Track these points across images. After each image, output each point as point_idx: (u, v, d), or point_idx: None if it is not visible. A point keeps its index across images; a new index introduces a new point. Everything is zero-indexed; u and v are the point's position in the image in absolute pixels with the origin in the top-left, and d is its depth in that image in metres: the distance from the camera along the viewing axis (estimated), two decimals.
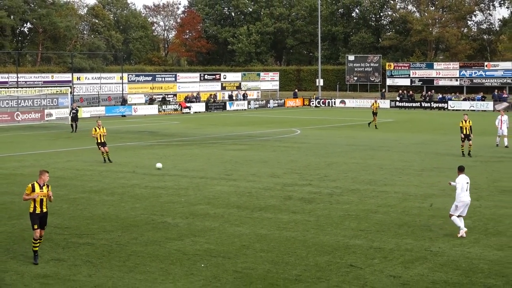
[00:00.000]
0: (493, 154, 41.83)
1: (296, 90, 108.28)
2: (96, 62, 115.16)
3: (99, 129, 39.39)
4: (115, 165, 37.59)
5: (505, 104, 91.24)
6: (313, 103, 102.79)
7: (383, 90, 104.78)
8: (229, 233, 22.00)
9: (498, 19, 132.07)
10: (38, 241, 18.95)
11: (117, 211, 25.47)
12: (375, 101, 68.20)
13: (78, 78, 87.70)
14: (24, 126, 67.38)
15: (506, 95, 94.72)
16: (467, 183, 21.76)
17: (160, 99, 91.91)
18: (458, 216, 21.47)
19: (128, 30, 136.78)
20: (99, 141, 39.05)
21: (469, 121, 41.98)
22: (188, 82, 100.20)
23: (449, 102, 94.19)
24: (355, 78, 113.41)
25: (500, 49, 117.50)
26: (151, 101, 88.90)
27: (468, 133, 41.35)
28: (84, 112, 78.06)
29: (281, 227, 22.73)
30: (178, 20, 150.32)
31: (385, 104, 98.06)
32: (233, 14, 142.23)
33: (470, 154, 40.83)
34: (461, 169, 22.31)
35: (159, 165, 35.35)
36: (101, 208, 25.94)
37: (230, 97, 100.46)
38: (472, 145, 41.47)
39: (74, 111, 61.31)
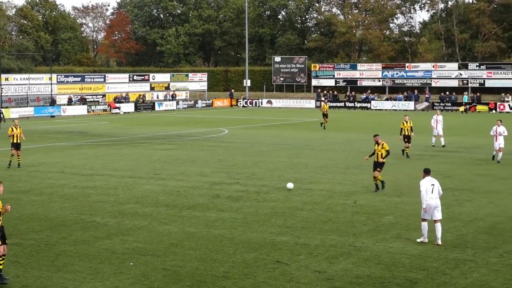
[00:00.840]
0: (411, 152, 42.76)
1: (232, 90, 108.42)
2: (25, 63, 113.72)
3: (16, 129, 37.58)
4: (44, 165, 37.42)
5: (425, 104, 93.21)
6: (240, 103, 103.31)
7: (334, 92, 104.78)
8: (158, 231, 22.23)
9: (419, 21, 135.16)
10: (2, 257, 17.18)
11: (46, 211, 25.46)
12: (325, 103, 67.39)
13: (6, 79, 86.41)
14: None
15: (427, 95, 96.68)
16: (432, 185, 21.11)
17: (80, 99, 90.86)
18: (435, 222, 20.61)
19: (57, 31, 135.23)
20: (13, 141, 37.28)
21: (410, 122, 42.06)
22: (117, 83, 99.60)
23: (372, 102, 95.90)
24: (282, 79, 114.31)
25: (421, 51, 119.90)
26: (69, 101, 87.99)
27: (408, 134, 41.45)
28: (13, 113, 76.98)
29: (209, 225, 23.07)
30: (107, 22, 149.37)
31: (310, 104, 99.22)
32: (162, 16, 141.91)
33: (407, 155, 40.89)
34: (426, 172, 21.53)
35: (290, 185, 30.18)
36: (29, 208, 25.90)
37: (166, 97, 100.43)
38: (410, 146, 41.66)
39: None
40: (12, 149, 37.41)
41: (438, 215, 20.73)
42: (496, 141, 38.45)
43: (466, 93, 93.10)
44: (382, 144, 29.38)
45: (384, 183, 29.43)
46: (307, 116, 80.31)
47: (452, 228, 22.43)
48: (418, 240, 20.76)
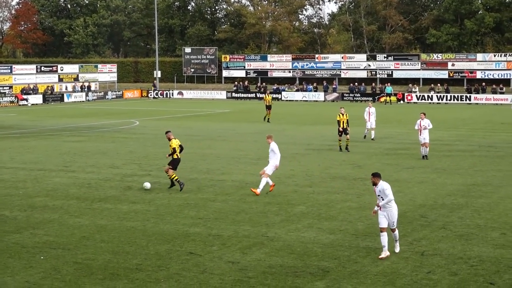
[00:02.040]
0: (323, 143, 43.31)
1: (155, 81, 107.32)
2: None
3: None
4: None
5: (335, 95, 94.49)
6: (151, 95, 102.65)
7: (245, 83, 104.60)
8: (69, 224, 21.96)
9: (328, 13, 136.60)
10: None
11: None
12: (267, 94, 64.48)
13: None
14: None
15: (335, 86, 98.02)
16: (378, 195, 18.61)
17: None
18: (393, 231, 18.67)
19: None
20: None
21: (346, 114, 40.23)
22: (25, 74, 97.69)
23: (283, 93, 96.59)
24: (192, 70, 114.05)
25: (330, 42, 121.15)
26: None
27: (345, 127, 39.66)
28: None
29: (121, 217, 22.91)
30: (13, 12, 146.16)
31: (221, 95, 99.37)
32: (69, 6, 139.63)
33: (347, 149, 39.48)
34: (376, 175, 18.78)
35: (147, 185, 30.75)
36: None
37: (75, 88, 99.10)
38: (350, 139, 40.27)
39: None
40: None
41: (394, 223, 18.69)
42: (420, 135, 36.59)
43: (388, 84, 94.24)
44: (172, 140, 28.22)
45: (179, 183, 27.63)
46: (218, 107, 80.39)
47: (363, 217, 22.77)
48: (381, 256, 18.26)
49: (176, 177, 27.63)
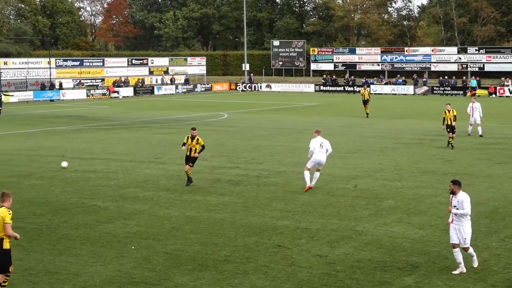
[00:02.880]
0: (413, 136, 42.86)
1: (252, 74, 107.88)
2: (23, 47, 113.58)
3: None
4: (44, 149, 37.46)
5: (424, 88, 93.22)
6: (239, 88, 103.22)
7: (333, 76, 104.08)
8: (159, 215, 22.29)
9: (417, 5, 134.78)
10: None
11: (47, 195, 25.50)
12: (364, 88, 59.81)
13: (5, 63, 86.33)
14: None
15: (425, 79, 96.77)
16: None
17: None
18: (466, 250, 16.87)
19: (55, 15, 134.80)
20: None
21: (453, 110, 38.68)
22: (116, 67, 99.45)
23: (371, 86, 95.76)
24: (280, 63, 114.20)
25: (419, 35, 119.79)
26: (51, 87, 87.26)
27: (451, 123, 38.18)
28: (12, 97, 77.13)
29: (210, 209, 23.12)
30: (105, 5, 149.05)
31: (309, 88, 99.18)
32: (160, 0, 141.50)
33: (452, 146, 38.02)
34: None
35: (64, 164, 31.89)
36: (30, 192, 25.94)
37: (163, 80, 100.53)
38: (454, 136, 38.62)
39: None
40: None
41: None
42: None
43: (474, 77, 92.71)
44: (198, 139, 27.70)
45: (192, 180, 27.51)
46: (306, 100, 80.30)
47: None
48: (455, 272, 16.65)
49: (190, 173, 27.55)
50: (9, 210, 14.59)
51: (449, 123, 38.36)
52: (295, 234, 19.94)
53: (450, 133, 38.20)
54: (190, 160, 27.51)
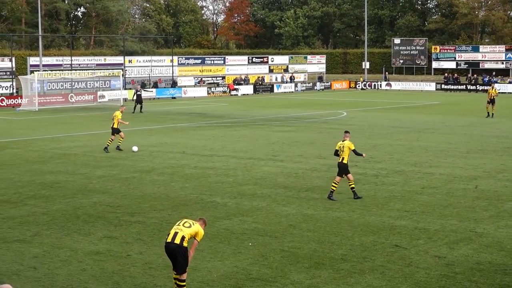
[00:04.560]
0: None
1: (387, 73, 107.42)
2: (147, 45, 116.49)
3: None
4: (166, 146, 38.22)
5: None
6: (359, 86, 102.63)
7: (455, 74, 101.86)
8: (276, 212, 22.42)
9: None
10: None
11: (167, 190, 26.04)
12: (492, 87, 58.05)
13: (130, 61, 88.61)
14: (78, 107, 68.37)
15: None
16: None
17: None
18: None
19: (178, 14, 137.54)
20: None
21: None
22: (237, 65, 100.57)
23: (495, 85, 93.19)
24: (401, 61, 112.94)
25: None
26: (173, 84, 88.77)
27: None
28: (151, 93, 79.45)
29: (327, 208, 23.10)
30: (227, 4, 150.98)
31: (430, 87, 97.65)
32: None
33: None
34: None
35: (135, 148, 33.90)
36: (151, 188, 26.54)
37: (282, 78, 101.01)
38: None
39: (138, 92, 62.07)
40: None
41: None
42: None
43: None
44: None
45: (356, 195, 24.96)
46: (426, 99, 79.16)
47: None
48: None
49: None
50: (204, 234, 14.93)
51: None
52: (413, 234, 19.71)
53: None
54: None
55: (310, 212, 22.43)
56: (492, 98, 55.59)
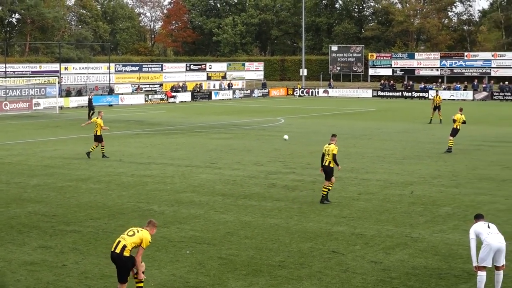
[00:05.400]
0: (471, 142, 42.36)
1: (332, 80, 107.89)
2: (84, 52, 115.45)
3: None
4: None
5: (484, 94, 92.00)
6: (297, 93, 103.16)
7: (391, 81, 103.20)
8: (214, 220, 22.37)
9: (478, 10, 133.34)
10: None
11: (104, 199, 25.79)
12: (437, 95, 59.28)
13: (66, 68, 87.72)
14: (12, 115, 67.34)
15: (485, 85, 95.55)
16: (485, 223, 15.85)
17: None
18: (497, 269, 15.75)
19: (115, 21, 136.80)
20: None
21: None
22: (174, 72, 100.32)
23: (430, 91, 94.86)
24: (338, 68, 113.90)
25: (480, 40, 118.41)
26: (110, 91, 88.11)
27: (457, 127, 38.59)
28: (71, 102, 78.36)
29: (265, 214, 23.14)
30: (165, 11, 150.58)
31: (367, 93, 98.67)
32: (219, 5, 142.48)
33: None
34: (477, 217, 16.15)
35: (286, 136, 32.39)
36: (88, 196, 26.26)
37: (221, 86, 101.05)
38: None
39: (90, 98, 62.04)
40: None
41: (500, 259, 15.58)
42: None
43: None
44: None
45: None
46: (363, 105, 79.93)
47: (511, 219, 22.15)
48: None
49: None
50: (151, 241, 14.81)
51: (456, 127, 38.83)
52: (350, 240, 19.86)
53: (452, 137, 38.51)
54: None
55: (248, 219, 22.44)
56: (437, 105, 56.75)
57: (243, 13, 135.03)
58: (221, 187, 28.04)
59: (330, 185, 25.17)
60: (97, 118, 37.53)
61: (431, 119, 56.57)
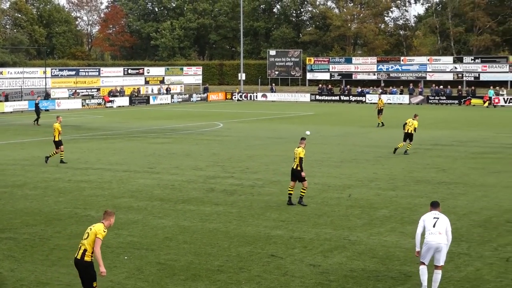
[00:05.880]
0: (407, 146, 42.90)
1: (273, 85, 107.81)
2: (19, 56, 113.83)
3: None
4: (38, 159, 37.32)
5: (420, 97, 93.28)
6: (235, 97, 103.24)
7: (329, 85, 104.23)
8: (152, 225, 22.23)
9: (414, 15, 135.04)
10: None
11: (40, 205, 25.43)
12: (379, 99, 61.38)
13: (1, 73, 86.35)
14: None
15: (421, 89, 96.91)
16: (435, 218, 16.03)
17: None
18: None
19: (51, 25, 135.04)
20: None
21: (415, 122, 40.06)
22: (112, 77, 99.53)
23: (367, 95, 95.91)
24: (277, 73, 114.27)
25: (416, 45, 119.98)
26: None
27: (411, 132, 39.47)
28: (7, 107, 77.17)
29: (204, 219, 23.07)
30: (102, 15, 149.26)
31: (305, 98, 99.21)
32: (157, 9, 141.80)
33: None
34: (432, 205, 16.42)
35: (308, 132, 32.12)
36: (23, 203, 25.86)
37: (160, 90, 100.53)
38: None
39: (37, 103, 61.32)
40: None
41: (440, 258, 15.98)
42: None
43: (492, 87, 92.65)
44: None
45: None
46: (302, 109, 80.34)
47: None
48: None
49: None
50: (105, 229, 14.52)
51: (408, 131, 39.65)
52: (289, 244, 19.91)
53: (407, 141, 39.54)
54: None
55: (187, 224, 22.35)
56: (380, 108, 57.84)
57: (181, 17, 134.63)
58: (160, 192, 27.89)
59: (303, 190, 25.42)
60: (55, 123, 37.12)
61: (378, 123, 57.41)
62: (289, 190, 25.59)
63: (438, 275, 15.89)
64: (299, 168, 25.28)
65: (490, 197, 26.71)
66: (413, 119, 40.23)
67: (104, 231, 14.44)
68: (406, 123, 40.16)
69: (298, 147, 25.64)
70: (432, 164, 35.39)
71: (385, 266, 17.84)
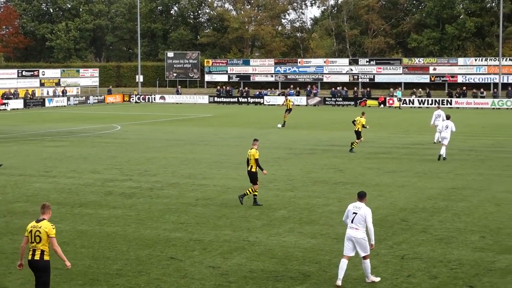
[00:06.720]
0: (305, 147, 43.41)
1: (179, 87, 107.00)
2: None
3: None
4: None
5: (317, 99, 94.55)
6: (133, 99, 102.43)
7: (227, 87, 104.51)
8: None
9: (310, 17, 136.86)
10: None
11: None
12: (286, 99, 63.23)
13: None
14: None
15: (316, 90, 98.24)
16: (354, 213, 16.83)
17: None
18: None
19: None
20: None
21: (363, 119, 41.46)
22: (5, 79, 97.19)
23: (265, 97, 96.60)
24: (175, 74, 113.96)
25: (312, 47, 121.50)
26: None
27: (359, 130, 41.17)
28: None
29: (102, 223, 22.83)
30: None
31: (203, 99, 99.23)
32: (52, 10, 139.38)
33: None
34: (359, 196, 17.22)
35: (279, 125, 30.77)
36: None
37: (55, 92, 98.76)
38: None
39: None
40: None
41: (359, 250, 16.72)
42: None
43: (400, 88, 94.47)
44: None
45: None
46: (200, 111, 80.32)
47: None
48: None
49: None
50: (52, 225, 14.76)
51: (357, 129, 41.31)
52: (188, 246, 19.89)
53: (355, 139, 41.27)
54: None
55: (84, 228, 22.07)
56: (289, 108, 59.07)
57: (76, 18, 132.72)
58: (56, 196, 27.44)
59: (256, 190, 25.61)
60: None
61: (284, 121, 58.24)
62: (253, 192, 25.61)
63: (365, 264, 16.71)
64: (253, 170, 25.42)
65: (385, 196, 27.29)
66: (360, 117, 41.58)
67: (53, 228, 14.69)
68: (355, 121, 41.59)
69: (251, 149, 25.83)
70: (329, 165, 35.91)
71: (284, 266, 18.00)
